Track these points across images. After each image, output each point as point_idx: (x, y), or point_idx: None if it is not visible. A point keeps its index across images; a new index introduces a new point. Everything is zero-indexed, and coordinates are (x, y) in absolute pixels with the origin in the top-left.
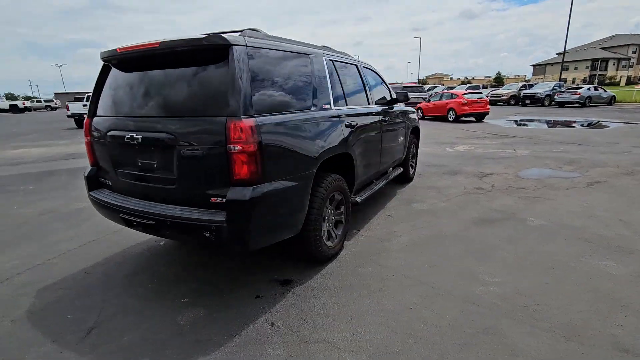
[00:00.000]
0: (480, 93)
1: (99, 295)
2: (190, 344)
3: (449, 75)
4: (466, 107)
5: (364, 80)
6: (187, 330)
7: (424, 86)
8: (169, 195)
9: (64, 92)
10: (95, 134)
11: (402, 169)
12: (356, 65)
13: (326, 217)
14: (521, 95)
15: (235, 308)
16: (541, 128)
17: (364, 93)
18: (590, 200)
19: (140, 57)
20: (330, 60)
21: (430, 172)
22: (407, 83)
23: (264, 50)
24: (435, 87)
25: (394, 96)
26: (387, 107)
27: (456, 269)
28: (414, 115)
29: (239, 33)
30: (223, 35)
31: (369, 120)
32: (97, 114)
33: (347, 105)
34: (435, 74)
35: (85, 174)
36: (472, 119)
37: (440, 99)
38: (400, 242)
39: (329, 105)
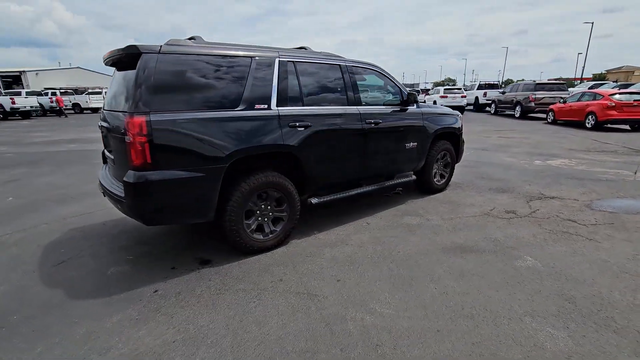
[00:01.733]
0: None
1: (92, 240)
2: (94, 288)
3: None
4: (613, 112)
5: (347, 81)
6: (105, 279)
7: (565, 84)
8: (113, 172)
9: None
10: None
11: (414, 177)
12: (339, 66)
13: (257, 212)
14: None
15: (149, 272)
16: None
17: (344, 94)
18: None
19: (111, 63)
20: (289, 61)
21: (474, 186)
22: (541, 81)
23: (183, 56)
24: (604, 83)
25: (405, 98)
26: (397, 109)
27: (358, 290)
28: (446, 119)
29: (166, 42)
30: (137, 45)
31: (338, 121)
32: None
33: (303, 105)
34: (621, 67)
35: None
36: (626, 126)
37: (578, 100)
38: (340, 251)
39: (266, 105)
